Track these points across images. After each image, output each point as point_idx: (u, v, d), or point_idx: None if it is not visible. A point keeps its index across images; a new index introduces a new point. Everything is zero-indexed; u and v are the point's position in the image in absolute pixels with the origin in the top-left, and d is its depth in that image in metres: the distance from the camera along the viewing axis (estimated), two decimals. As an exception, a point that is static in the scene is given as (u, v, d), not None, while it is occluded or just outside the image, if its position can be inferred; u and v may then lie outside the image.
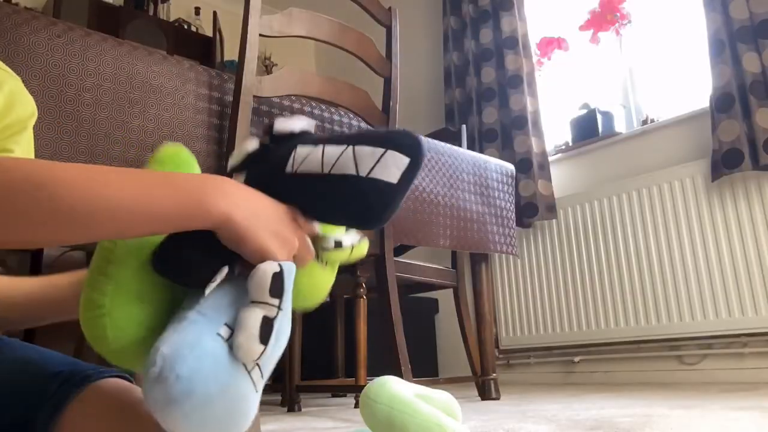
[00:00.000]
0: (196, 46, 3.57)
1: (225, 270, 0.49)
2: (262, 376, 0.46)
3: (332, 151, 0.52)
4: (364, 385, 0.72)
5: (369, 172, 0.50)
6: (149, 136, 1.21)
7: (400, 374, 1.51)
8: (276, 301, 0.46)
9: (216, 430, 0.43)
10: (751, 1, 2.14)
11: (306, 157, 0.52)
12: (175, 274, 0.49)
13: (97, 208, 0.42)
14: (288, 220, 0.51)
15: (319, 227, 0.56)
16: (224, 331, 0.45)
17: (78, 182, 0.42)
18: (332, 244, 0.57)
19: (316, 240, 0.56)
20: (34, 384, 0.55)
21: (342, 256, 0.59)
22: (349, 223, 0.56)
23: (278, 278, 0.46)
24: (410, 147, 0.51)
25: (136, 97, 1.21)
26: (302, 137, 0.56)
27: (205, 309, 0.47)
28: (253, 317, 0.45)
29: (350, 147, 0.51)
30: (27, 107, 0.63)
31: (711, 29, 2.22)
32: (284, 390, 2.17)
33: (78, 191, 0.42)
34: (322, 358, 2.67)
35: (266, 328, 0.45)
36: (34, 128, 0.69)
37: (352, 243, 0.59)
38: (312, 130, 0.57)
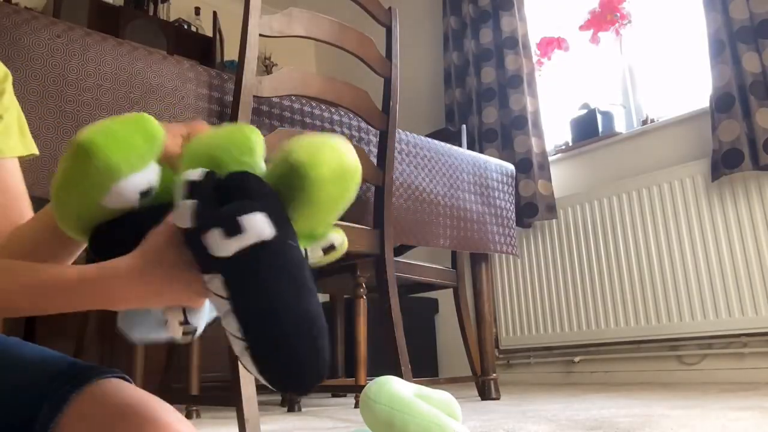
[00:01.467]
0: (196, 46, 3.57)
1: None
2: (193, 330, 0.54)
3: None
4: (364, 385, 0.72)
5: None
6: (149, 136, 1.21)
7: (400, 374, 1.51)
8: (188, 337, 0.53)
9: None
10: (751, 1, 2.14)
11: (213, 296, 0.51)
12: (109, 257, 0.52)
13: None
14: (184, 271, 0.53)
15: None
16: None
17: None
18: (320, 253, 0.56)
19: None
20: (33, 384, 0.55)
21: (324, 260, 0.57)
22: None
23: (185, 321, 0.51)
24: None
25: (136, 97, 1.21)
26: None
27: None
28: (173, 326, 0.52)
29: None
30: None
31: (711, 29, 2.22)
32: (284, 390, 2.16)
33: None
34: (322, 358, 2.66)
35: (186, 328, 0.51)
36: (32, 129, 0.69)
37: (332, 243, 0.56)
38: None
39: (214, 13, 3.59)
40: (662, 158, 2.48)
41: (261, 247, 0.44)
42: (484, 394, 2.02)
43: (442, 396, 0.75)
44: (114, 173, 0.48)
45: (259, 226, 0.44)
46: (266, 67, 3.96)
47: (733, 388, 1.90)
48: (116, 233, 0.52)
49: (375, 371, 2.28)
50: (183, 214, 0.45)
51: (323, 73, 4.07)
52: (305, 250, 0.53)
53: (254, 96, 1.31)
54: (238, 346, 0.45)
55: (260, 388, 1.23)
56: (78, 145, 0.47)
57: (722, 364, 2.19)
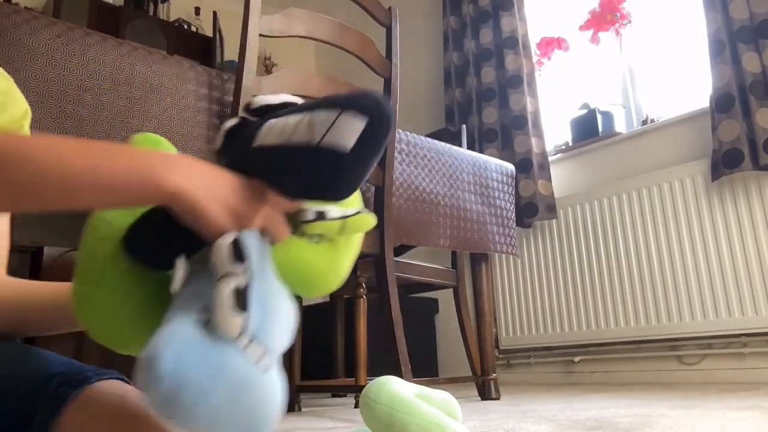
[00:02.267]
0: (196, 46, 3.57)
1: (183, 260, 0.47)
2: (264, 351, 0.42)
3: (293, 120, 0.48)
4: (364, 385, 0.72)
5: (321, 139, 0.46)
6: (149, 136, 1.21)
7: (400, 374, 1.51)
8: (240, 268, 0.43)
9: (235, 422, 0.40)
10: (751, 1, 2.14)
11: (271, 129, 0.49)
12: (145, 256, 0.48)
13: (49, 180, 0.43)
14: (246, 193, 0.49)
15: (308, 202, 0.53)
16: (203, 316, 0.42)
17: (31, 153, 0.43)
18: (311, 216, 0.53)
19: (297, 214, 0.53)
20: (32, 385, 0.55)
21: (330, 229, 0.55)
22: (311, 196, 0.51)
23: (236, 245, 0.44)
24: (368, 108, 0.46)
25: (136, 97, 1.21)
26: (278, 110, 0.51)
27: (180, 301, 0.45)
28: (222, 291, 0.42)
29: (307, 113, 0.48)
30: (19, 106, 0.63)
31: (711, 29, 2.22)
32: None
33: (30, 162, 0.42)
34: (322, 358, 2.67)
35: (240, 296, 0.42)
36: (32, 128, 0.69)
37: (343, 214, 0.54)
38: (296, 101, 0.52)
39: (214, 13, 3.59)
40: (662, 158, 2.48)
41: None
42: (484, 394, 2.02)
43: (442, 396, 0.75)
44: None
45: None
46: (266, 67, 3.96)
47: (733, 388, 1.90)
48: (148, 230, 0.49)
49: (375, 371, 2.27)
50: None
51: (323, 73, 4.07)
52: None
53: (254, 96, 1.31)
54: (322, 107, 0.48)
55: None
56: (137, 137, 0.55)
57: (722, 364, 2.19)
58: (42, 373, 0.56)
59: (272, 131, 0.49)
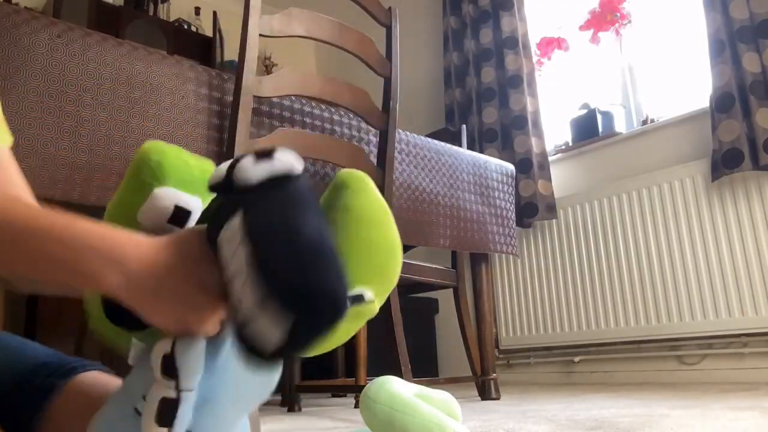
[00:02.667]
0: (196, 46, 3.57)
1: (135, 341, 0.46)
2: None
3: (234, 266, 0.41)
4: (364, 385, 0.72)
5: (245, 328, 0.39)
6: (149, 136, 1.21)
7: (400, 374, 1.51)
8: (171, 383, 0.42)
9: None
10: (751, 1, 2.14)
11: (228, 242, 0.41)
12: (121, 323, 0.47)
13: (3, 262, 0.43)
14: (198, 296, 0.43)
15: None
16: (141, 406, 0.42)
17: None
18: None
19: None
20: (20, 375, 0.56)
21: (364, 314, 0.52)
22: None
23: (168, 359, 0.42)
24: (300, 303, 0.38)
25: (136, 97, 1.21)
26: (250, 201, 0.42)
27: (131, 380, 0.45)
28: (151, 398, 0.42)
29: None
30: None
31: (711, 29, 2.22)
32: (284, 390, 2.17)
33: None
34: (322, 358, 2.67)
35: (167, 409, 0.41)
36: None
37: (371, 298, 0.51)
38: (286, 170, 0.43)
39: (214, 13, 3.59)
40: (662, 158, 2.48)
41: (288, 180, 0.41)
42: (484, 394, 2.02)
43: (442, 396, 0.75)
44: (161, 173, 0.49)
45: (289, 158, 0.42)
46: (266, 67, 3.96)
47: (733, 388, 1.90)
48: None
49: (375, 371, 2.28)
50: (218, 172, 0.43)
51: (323, 73, 4.07)
52: None
53: (254, 96, 1.31)
54: (240, 281, 0.39)
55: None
56: (145, 146, 0.51)
57: (722, 364, 2.19)
58: (28, 363, 0.57)
59: (226, 248, 0.43)
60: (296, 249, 0.38)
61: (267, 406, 2.19)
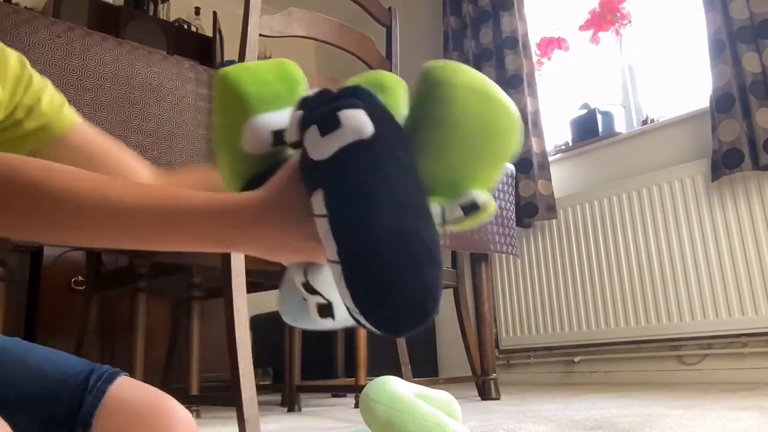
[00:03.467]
0: (196, 46, 3.57)
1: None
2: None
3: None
4: (364, 385, 0.72)
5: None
6: (149, 136, 1.21)
7: (400, 374, 1.51)
8: (317, 296, 0.45)
9: None
10: (751, 1, 2.14)
11: (318, 222, 0.42)
12: None
13: (106, 235, 0.45)
14: (308, 235, 0.44)
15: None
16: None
17: (87, 202, 0.43)
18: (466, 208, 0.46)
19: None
20: (64, 382, 0.59)
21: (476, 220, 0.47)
22: None
23: (307, 285, 0.45)
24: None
25: (136, 97, 1.21)
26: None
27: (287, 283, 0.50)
28: (310, 305, 0.46)
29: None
30: (10, 60, 0.63)
31: (711, 29, 2.22)
32: (284, 390, 2.17)
33: (85, 213, 0.43)
34: (322, 358, 2.67)
35: (323, 311, 0.45)
36: None
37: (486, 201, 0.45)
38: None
39: (214, 13, 3.58)
40: (662, 158, 2.48)
41: (360, 147, 0.39)
42: (484, 394, 2.02)
43: (442, 396, 0.75)
44: (246, 105, 0.48)
45: (357, 120, 0.39)
46: (266, 67, 3.95)
47: (733, 388, 1.90)
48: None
49: (375, 371, 2.28)
50: (291, 127, 0.42)
51: (323, 73, 4.07)
52: (442, 208, 0.46)
53: (254, 96, 1.31)
54: (336, 274, 0.40)
55: (260, 389, 1.23)
56: (216, 76, 0.49)
57: (722, 364, 2.19)
58: (67, 370, 0.60)
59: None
60: (372, 249, 0.38)
61: (267, 406, 2.19)
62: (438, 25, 3.43)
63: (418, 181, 0.42)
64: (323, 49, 4.09)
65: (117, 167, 0.69)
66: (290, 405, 2.01)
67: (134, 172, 0.70)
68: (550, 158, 2.81)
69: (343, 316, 0.45)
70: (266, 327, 2.59)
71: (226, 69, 0.49)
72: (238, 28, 1.32)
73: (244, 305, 1.21)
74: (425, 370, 2.99)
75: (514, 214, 2.13)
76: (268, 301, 2.43)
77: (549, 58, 2.99)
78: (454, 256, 2.28)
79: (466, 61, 3.08)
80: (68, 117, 0.67)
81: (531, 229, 2.79)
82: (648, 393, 1.88)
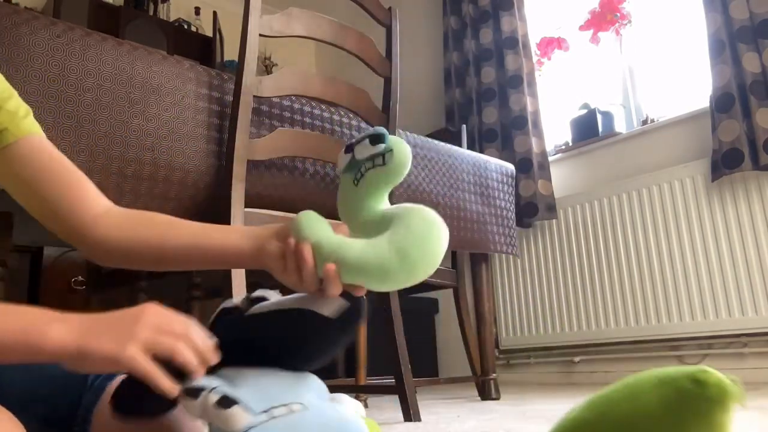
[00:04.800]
0: (196, 46, 3.57)
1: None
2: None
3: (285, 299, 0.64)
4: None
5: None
6: (149, 136, 1.21)
7: (400, 374, 1.51)
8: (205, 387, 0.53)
9: None
10: (751, 1, 2.14)
11: (263, 305, 0.63)
12: (130, 411, 0.53)
13: None
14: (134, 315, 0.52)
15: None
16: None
17: None
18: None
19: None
20: (63, 380, 0.61)
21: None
22: (289, 353, 0.67)
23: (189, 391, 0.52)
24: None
25: (136, 97, 1.21)
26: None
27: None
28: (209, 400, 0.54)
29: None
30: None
31: (711, 29, 2.22)
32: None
33: None
34: (322, 358, 2.66)
35: (224, 401, 0.52)
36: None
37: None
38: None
39: (214, 13, 3.59)
40: (662, 158, 2.48)
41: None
42: (484, 394, 2.02)
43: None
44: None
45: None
46: (266, 67, 3.96)
47: (733, 388, 1.90)
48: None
49: (375, 371, 2.28)
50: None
51: (323, 73, 4.07)
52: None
53: (254, 96, 1.31)
54: None
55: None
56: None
57: (722, 364, 2.19)
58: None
59: (265, 305, 0.61)
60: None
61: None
62: (438, 25, 3.42)
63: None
64: (323, 49, 4.09)
65: (67, 191, 0.68)
66: (290, 405, 2.00)
67: (89, 200, 0.69)
68: (550, 158, 2.81)
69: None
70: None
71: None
72: (238, 28, 1.32)
73: (244, 305, 1.21)
74: (425, 370, 2.99)
75: (514, 214, 2.13)
76: (268, 301, 2.43)
77: (549, 58, 2.99)
78: (454, 256, 2.28)
79: (466, 61, 3.08)
80: (26, 126, 0.68)
81: (531, 229, 2.79)
82: (648, 393, 1.87)
